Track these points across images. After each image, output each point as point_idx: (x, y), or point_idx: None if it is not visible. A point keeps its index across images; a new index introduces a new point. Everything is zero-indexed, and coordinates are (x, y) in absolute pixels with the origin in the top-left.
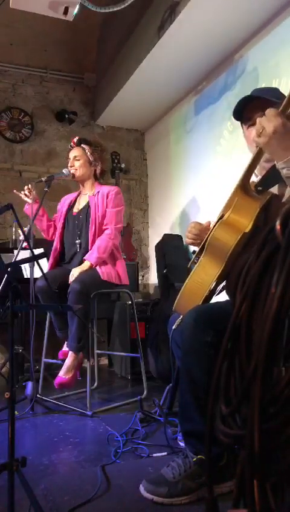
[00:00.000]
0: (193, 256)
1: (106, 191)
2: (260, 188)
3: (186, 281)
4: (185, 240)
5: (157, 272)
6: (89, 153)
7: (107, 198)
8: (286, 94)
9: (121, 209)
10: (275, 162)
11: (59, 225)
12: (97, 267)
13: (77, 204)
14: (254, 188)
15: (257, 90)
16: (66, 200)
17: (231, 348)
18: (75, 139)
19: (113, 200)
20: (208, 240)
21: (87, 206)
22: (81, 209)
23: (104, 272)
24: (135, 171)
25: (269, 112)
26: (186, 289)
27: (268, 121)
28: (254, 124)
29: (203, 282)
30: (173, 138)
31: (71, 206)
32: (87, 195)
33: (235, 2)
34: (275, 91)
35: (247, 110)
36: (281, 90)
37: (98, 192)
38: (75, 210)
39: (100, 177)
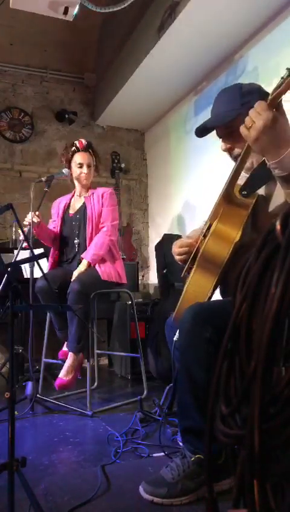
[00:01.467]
0: (186, 265)
1: (100, 191)
2: (245, 192)
3: (183, 293)
4: (178, 262)
5: (157, 272)
6: (96, 161)
7: (102, 198)
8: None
9: (116, 208)
10: (266, 161)
11: (57, 226)
12: (97, 267)
13: (72, 205)
14: (238, 193)
15: (216, 103)
16: (61, 203)
17: (231, 348)
18: (84, 143)
19: (108, 199)
20: (200, 253)
21: (83, 207)
22: (78, 209)
23: (104, 271)
24: (135, 171)
25: (259, 104)
26: (183, 301)
27: (257, 113)
28: (225, 137)
29: (199, 294)
30: (173, 138)
31: (67, 208)
32: (83, 196)
33: (235, 2)
34: (232, 98)
35: (216, 130)
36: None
37: (93, 193)
38: (72, 211)
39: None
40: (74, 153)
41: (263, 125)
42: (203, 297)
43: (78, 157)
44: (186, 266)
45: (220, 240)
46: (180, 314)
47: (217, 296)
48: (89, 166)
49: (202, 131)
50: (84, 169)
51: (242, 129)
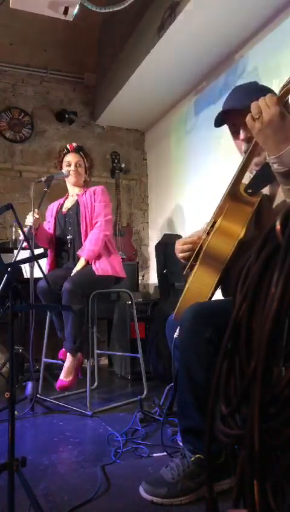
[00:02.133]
0: (188, 263)
1: (92, 189)
2: (250, 191)
3: (185, 290)
4: (180, 260)
5: (157, 271)
6: (86, 163)
7: (94, 195)
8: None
9: (108, 203)
10: (267, 155)
11: (51, 227)
12: (92, 264)
13: (65, 205)
14: (244, 191)
15: (233, 93)
16: (54, 205)
17: (231, 348)
18: (74, 145)
19: (100, 195)
20: (203, 249)
21: (76, 204)
22: (71, 207)
23: (98, 267)
24: (135, 171)
25: (269, 98)
26: (185, 298)
27: (266, 106)
28: (237, 131)
29: (202, 292)
30: (173, 138)
31: (60, 208)
32: (76, 194)
33: (236, 2)
34: (251, 89)
35: (229, 119)
36: (260, 83)
37: (86, 191)
38: (64, 210)
39: (85, 185)
40: (64, 154)
41: (269, 119)
42: (205, 294)
43: (67, 157)
44: (189, 263)
45: (224, 237)
46: (181, 312)
47: (218, 295)
48: (77, 165)
49: (220, 120)
50: (72, 168)
51: (248, 118)
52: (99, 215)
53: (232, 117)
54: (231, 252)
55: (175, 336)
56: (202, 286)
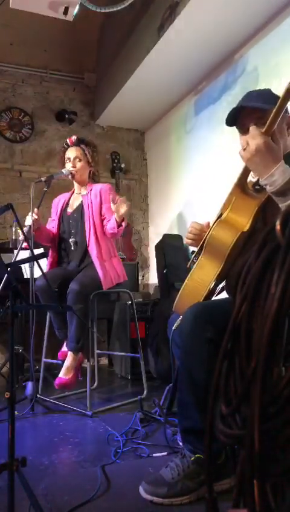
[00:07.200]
0: (193, 256)
1: (98, 188)
2: (258, 187)
3: (186, 281)
4: (185, 240)
5: (157, 271)
6: (89, 155)
7: (100, 195)
8: (281, 95)
9: None
10: (259, 179)
11: (55, 226)
12: (99, 271)
13: (71, 203)
14: (251, 187)
15: (248, 96)
16: (60, 201)
17: (231, 348)
18: (73, 138)
19: (109, 195)
20: (206, 240)
21: (81, 206)
22: (75, 208)
23: (104, 281)
24: (135, 171)
25: (253, 130)
26: (185, 289)
27: (252, 138)
28: (246, 131)
29: (203, 282)
30: (173, 138)
31: (65, 206)
32: (81, 194)
33: (236, 2)
34: (265, 95)
35: (240, 118)
36: (273, 91)
37: (91, 190)
38: (70, 210)
39: (92, 178)
40: (65, 150)
41: (254, 149)
42: (206, 283)
43: (67, 153)
44: (193, 256)
45: (227, 227)
46: (182, 302)
47: (222, 296)
48: (76, 159)
49: (233, 119)
50: (72, 164)
51: (240, 151)
52: (109, 216)
53: (243, 116)
54: (233, 243)
55: (173, 328)
56: (204, 276)
